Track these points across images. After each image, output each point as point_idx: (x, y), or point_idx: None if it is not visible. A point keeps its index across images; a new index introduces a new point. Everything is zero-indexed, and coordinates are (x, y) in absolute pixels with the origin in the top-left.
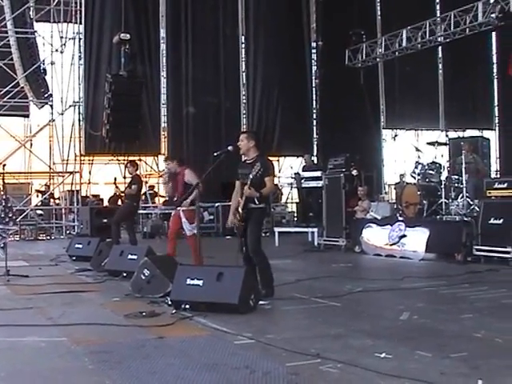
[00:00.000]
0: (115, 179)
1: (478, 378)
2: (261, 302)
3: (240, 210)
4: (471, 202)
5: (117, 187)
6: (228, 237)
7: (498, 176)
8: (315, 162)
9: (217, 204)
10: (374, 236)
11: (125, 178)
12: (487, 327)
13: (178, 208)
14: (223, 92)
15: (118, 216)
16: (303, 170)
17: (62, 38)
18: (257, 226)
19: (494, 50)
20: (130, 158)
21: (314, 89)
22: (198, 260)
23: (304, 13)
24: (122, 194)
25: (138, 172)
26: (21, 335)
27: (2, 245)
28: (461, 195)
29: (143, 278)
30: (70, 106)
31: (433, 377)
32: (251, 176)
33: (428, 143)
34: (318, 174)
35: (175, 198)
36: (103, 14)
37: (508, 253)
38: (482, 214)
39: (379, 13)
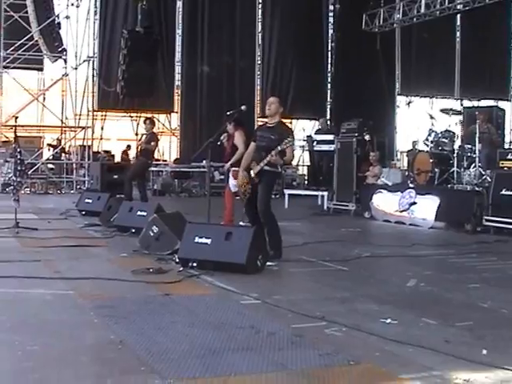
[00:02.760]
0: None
1: (482, 348)
2: (268, 263)
3: (253, 174)
4: (483, 172)
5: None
6: (238, 197)
7: None
8: (329, 126)
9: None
10: (384, 202)
11: (136, 134)
12: (494, 298)
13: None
14: (238, 52)
15: (133, 172)
16: (317, 134)
17: None
18: (268, 188)
19: None
20: (146, 115)
21: (329, 52)
22: (229, 217)
23: None
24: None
25: (154, 130)
26: (28, 287)
27: (17, 197)
28: (473, 165)
29: (152, 234)
30: (84, 61)
31: (437, 344)
32: (280, 148)
33: (441, 110)
34: (330, 137)
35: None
36: None
37: None
38: (493, 184)
39: None
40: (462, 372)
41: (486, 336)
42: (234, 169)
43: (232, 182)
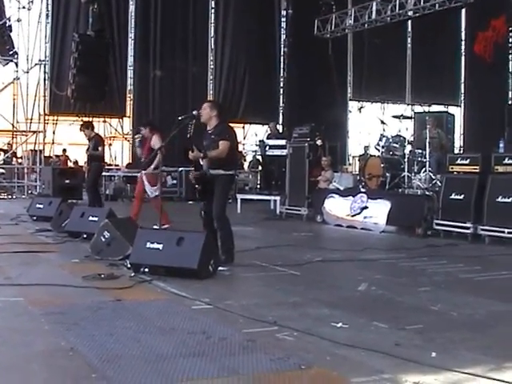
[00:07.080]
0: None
1: (432, 351)
2: (220, 268)
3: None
4: (433, 177)
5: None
6: (190, 202)
7: (461, 152)
8: (280, 130)
9: (180, 169)
10: (336, 206)
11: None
12: (444, 301)
13: (142, 171)
14: (191, 57)
15: (91, 180)
16: (267, 138)
17: None
18: (223, 192)
19: (462, 26)
20: (98, 119)
21: (281, 57)
22: (165, 219)
23: None
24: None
25: (95, 131)
26: None
27: None
28: (423, 169)
29: (103, 240)
30: (36, 65)
31: (387, 347)
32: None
33: (393, 116)
34: (282, 142)
35: (142, 161)
36: None
37: (467, 228)
38: (443, 188)
39: None
40: (412, 375)
41: (436, 339)
42: (146, 172)
43: (149, 188)
